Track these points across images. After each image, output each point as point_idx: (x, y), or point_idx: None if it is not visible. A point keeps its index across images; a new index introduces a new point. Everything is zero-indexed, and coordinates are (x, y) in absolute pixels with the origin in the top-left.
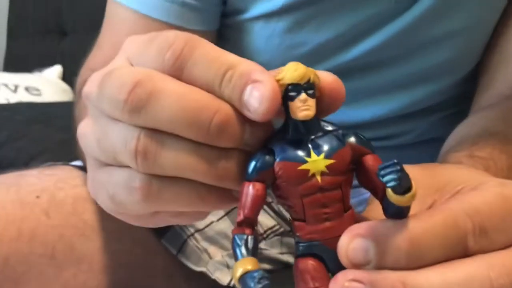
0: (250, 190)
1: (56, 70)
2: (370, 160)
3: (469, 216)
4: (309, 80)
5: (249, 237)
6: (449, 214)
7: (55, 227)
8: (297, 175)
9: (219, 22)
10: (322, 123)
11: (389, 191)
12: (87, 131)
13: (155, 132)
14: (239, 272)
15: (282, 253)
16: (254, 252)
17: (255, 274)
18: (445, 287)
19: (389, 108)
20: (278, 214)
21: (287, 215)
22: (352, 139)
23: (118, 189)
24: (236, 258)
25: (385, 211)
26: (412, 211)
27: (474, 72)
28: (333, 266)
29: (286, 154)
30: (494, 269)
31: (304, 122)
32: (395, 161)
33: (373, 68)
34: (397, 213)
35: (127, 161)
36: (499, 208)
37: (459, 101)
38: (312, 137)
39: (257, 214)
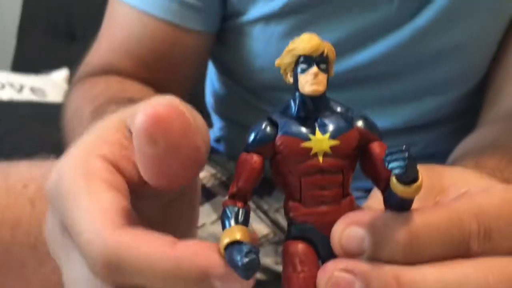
0: (247, 161)
1: (63, 73)
2: (376, 147)
3: (476, 216)
4: (322, 54)
5: (241, 210)
6: (455, 212)
7: (40, 218)
8: (299, 152)
9: (219, 24)
10: (332, 103)
11: (393, 180)
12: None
13: None
14: (225, 240)
15: (277, 263)
16: (244, 225)
17: (243, 247)
18: (441, 286)
19: (393, 121)
20: (273, 222)
21: (284, 223)
22: (360, 123)
23: None
24: (223, 228)
25: (386, 202)
26: (413, 209)
27: (481, 86)
28: (324, 253)
29: (290, 129)
30: (494, 274)
31: (312, 98)
32: (404, 147)
33: (375, 79)
34: (399, 206)
35: None
36: (507, 213)
37: (465, 115)
38: (319, 115)
39: (251, 187)
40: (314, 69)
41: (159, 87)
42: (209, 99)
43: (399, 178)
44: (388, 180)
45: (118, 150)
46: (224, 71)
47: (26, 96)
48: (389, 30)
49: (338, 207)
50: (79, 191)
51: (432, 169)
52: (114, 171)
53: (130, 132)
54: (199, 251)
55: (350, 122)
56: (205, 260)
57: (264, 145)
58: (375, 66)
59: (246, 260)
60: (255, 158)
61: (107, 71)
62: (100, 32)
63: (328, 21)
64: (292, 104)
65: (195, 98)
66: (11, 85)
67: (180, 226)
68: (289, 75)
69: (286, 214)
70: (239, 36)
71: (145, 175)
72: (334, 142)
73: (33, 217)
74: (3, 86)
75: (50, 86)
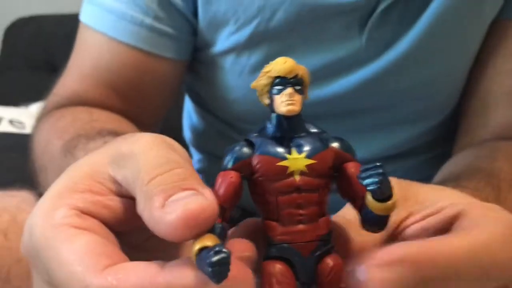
0: (225, 177)
1: (41, 105)
2: (352, 167)
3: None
4: (297, 75)
5: (217, 225)
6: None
7: (13, 249)
8: (275, 171)
9: (191, 52)
10: (307, 124)
11: (368, 198)
12: None
13: None
14: (196, 247)
15: None
16: (220, 239)
17: (213, 248)
18: None
19: (368, 150)
20: None
21: None
22: (335, 144)
23: None
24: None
25: (363, 221)
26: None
27: (454, 115)
28: (301, 274)
29: (266, 148)
30: None
31: (288, 118)
32: (378, 163)
33: (344, 112)
34: (376, 223)
35: None
36: None
37: (440, 143)
38: (295, 135)
39: (230, 203)
40: (289, 89)
41: (130, 115)
42: (187, 133)
43: (374, 195)
44: (363, 198)
45: (90, 197)
46: (199, 102)
47: (5, 128)
48: (356, 66)
49: (315, 226)
50: (51, 243)
51: (409, 183)
52: (83, 215)
53: (109, 177)
54: (186, 272)
55: (325, 142)
56: (193, 279)
57: (240, 162)
58: (342, 100)
59: (215, 258)
60: (232, 174)
61: (75, 101)
62: (69, 61)
63: (297, 54)
64: (269, 124)
65: (173, 133)
66: None
67: (168, 248)
68: (265, 96)
69: (264, 234)
70: (211, 68)
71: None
72: (310, 161)
73: (5, 249)
74: None
75: (29, 118)
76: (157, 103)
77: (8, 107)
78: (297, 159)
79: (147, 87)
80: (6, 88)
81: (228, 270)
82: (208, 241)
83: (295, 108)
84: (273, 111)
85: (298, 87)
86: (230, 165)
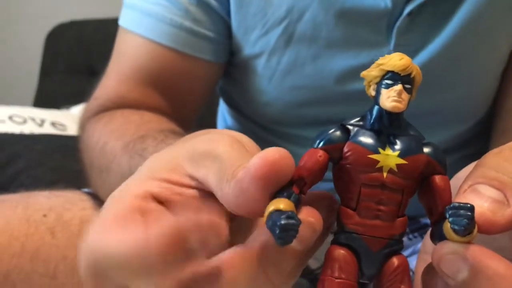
0: (313, 153)
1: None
2: (440, 180)
3: None
4: (410, 74)
5: (294, 194)
6: None
7: (59, 247)
8: (365, 163)
9: (228, 55)
10: (406, 124)
11: (447, 227)
12: None
13: None
14: (270, 208)
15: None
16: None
17: (285, 213)
18: None
19: None
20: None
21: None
22: (430, 151)
23: None
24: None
25: (433, 237)
26: None
27: (488, 115)
28: (366, 266)
29: (361, 138)
30: None
31: (390, 114)
32: (470, 205)
33: None
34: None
35: None
36: None
37: (474, 142)
38: (393, 132)
39: (311, 178)
40: (399, 86)
41: (169, 114)
42: None
43: (456, 233)
44: (441, 216)
45: (165, 185)
46: (232, 105)
47: (47, 130)
48: None
49: (391, 225)
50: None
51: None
52: (150, 199)
53: (186, 172)
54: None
55: (420, 147)
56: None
57: (331, 144)
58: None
59: (285, 221)
60: (321, 153)
61: (118, 103)
62: (109, 65)
63: (323, 59)
64: (369, 116)
65: None
66: (33, 119)
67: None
68: (371, 88)
69: (338, 219)
70: (244, 72)
71: (234, 209)
72: (401, 161)
73: (53, 246)
74: (24, 121)
75: (70, 120)
76: (194, 103)
77: (50, 109)
78: (389, 156)
79: (186, 87)
80: (48, 91)
81: (295, 237)
82: (282, 204)
83: (401, 106)
84: (377, 103)
85: (408, 86)
86: (321, 145)
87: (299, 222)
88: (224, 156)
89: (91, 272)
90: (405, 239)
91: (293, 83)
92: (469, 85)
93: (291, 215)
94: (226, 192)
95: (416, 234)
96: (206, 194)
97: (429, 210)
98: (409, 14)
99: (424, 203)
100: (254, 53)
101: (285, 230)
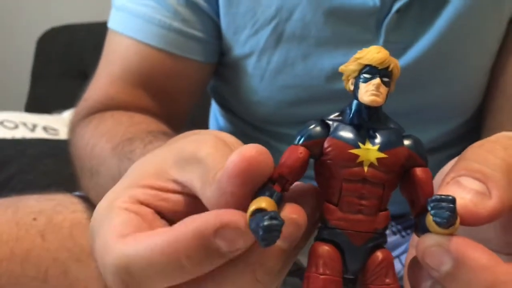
0: (293, 151)
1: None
2: (421, 172)
3: None
4: (388, 67)
5: (276, 192)
6: None
7: (50, 250)
8: (345, 158)
9: (218, 56)
10: (386, 117)
11: (430, 220)
12: None
13: None
14: (252, 207)
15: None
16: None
17: (268, 213)
18: None
19: None
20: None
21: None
22: (410, 144)
23: None
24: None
25: (416, 229)
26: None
27: (478, 114)
28: (350, 261)
29: (341, 133)
30: None
31: (369, 108)
32: (451, 197)
33: None
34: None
35: None
36: None
37: (471, 136)
38: (372, 126)
39: (292, 176)
40: (377, 80)
41: (159, 115)
42: None
43: (438, 225)
44: (423, 208)
45: (151, 191)
46: (224, 105)
47: (39, 134)
48: None
49: (373, 219)
50: (101, 218)
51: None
52: (139, 204)
53: (172, 177)
54: (194, 219)
55: (400, 140)
56: (202, 221)
57: (311, 140)
58: None
59: (268, 222)
60: (301, 149)
61: (107, 104)
62: (98, 67)
63: (313, 57)
64: (348, 110)
65: None
66: (25, 124)
67: None
68: (350, 82)
69: (321, 215)
70: (235, 71)
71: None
72: (381, 155)
73: (43, 250)
74: (16, 126)
75: (62, 125)
76: (184, 104)
77: (42, 114)
78: (369, 150)
79: (176, 88)
80: (40, 96)
81: (278, 237)
82: (264, 203)
83: (379, 100)
84: (356, 98)
85: (386, 79)
86: (301, 141)
87: (282, 222)
88: (207, 159)
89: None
90: (398, 236)
91: (284, 82)
92: (458, 82)
93: (273, 216)
94: (208, 196)
95: (409, 231)
96: (193, 199)
97: (411, 202)
98: (398, 11)
99: (406, 195)
100: (244, 53)
101: (268, 231)
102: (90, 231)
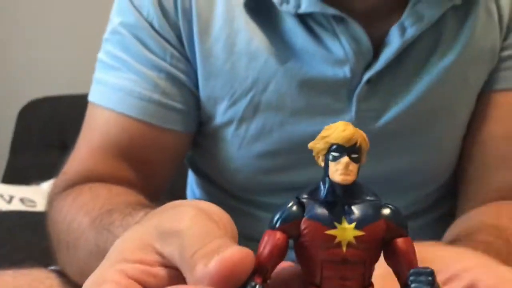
0: (270, 237)
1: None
2: (402, 243)
3: None
4: (355, 144)
5: (258, 285)
6: None
7: None
8: (323, 239)
9: (197, 125)
10: (362, 189)
11: None
12: None
13: None
14: None
15: None
16: None
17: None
18: None
19: None
20: None
21: None
22: (388, 214)
23: None
24: None
25: None
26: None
27: (452, 178)
28: None
29: (316, 214)
30: None
31: (341, 185)
32: (429, 269)
33: None
34: None
35: None
36: None
37: (444, 202)
38: (348, 202)
39: (273, 264)
40: (345, 159)
41: (138, 185)
42: None
43: None
44: (408, 278)
45: (139, 266)
46: (201, 174)
47: (16, 206)
48: None
49: None
50: None
51: (426, 245)
52: (129, 279)
53: (156, 250)
54: None
55: (378, 212)
56: None
57: (288, 223)
58: None
59: None
60: (279, 235)
61: (85, 176)
62: (78, 139)
63: (289, 126)
64: (322, 187)
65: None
66: (1, 196)
67: None
68: (320, 159)
69: None
70: (213, 140)
71: None
72: (359, 233)
73: None
74: None
75: (40, 196)
76: (163, 174)
77: (20, 185)
78: (346, 229)
79: (155, 158)
80: (18, 167)
81: None
82: None
83: (349, 178)
84: (327, 175)
85: (354, 156)
86: (278, 225)
87: None
88: (186, 233)
89: None
90: None
91: (262, 149)
92: (431, 149)
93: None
94: (189, 279)
95: None
96: (177, 271)
97: (397, 273)
98: (368, 81)
99: (391, 266)
100: (224, 122)
101: None
102: None
